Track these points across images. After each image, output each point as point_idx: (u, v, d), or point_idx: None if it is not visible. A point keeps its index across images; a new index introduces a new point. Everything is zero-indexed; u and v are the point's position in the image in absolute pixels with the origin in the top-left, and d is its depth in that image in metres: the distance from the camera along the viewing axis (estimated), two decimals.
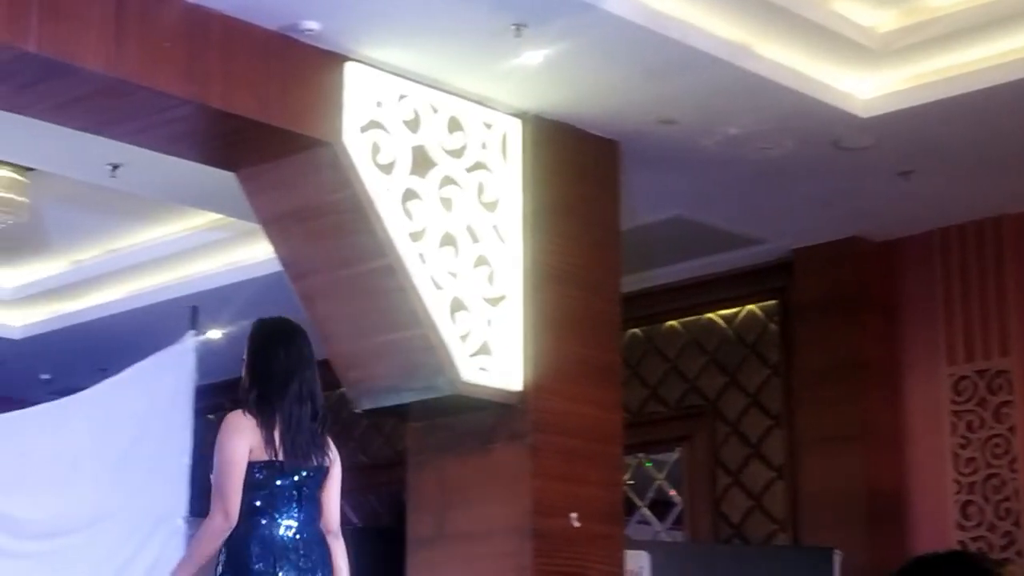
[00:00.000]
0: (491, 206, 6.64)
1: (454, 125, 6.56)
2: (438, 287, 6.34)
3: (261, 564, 5.53)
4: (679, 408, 9.52)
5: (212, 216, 9.29)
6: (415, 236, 6.31)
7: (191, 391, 8.73)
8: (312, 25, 5.98)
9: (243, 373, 5.88)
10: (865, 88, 6.99)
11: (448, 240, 6.44)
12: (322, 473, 5.76)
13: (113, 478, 9.07)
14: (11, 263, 10.55)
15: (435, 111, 6.49)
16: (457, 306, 6.40)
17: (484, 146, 6.66)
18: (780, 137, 7.25)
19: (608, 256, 7.06)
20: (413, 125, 6.39)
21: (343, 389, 6.95)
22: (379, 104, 6.27)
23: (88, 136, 6.34)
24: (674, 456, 9.66)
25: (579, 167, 7.00)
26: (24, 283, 10.80)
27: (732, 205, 8.22)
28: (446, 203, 6.46)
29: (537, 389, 6.54)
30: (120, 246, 10.11)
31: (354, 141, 6.14)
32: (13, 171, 8.53)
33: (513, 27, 5.99)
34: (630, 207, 7.44)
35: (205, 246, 9.75)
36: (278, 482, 5.61)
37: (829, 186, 7.89)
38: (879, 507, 8.40)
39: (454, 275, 6.42)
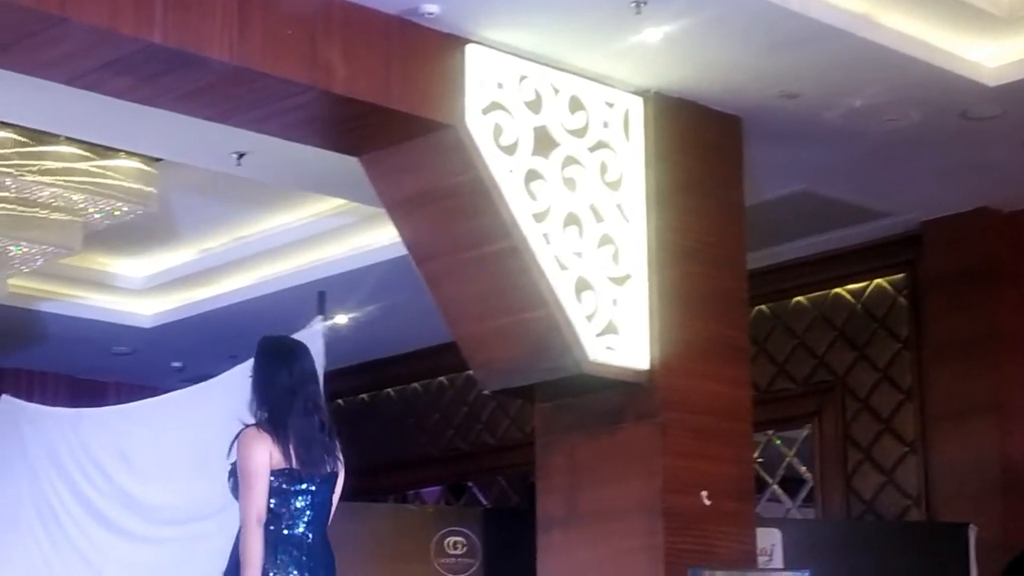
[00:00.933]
0: (614, 185, 6.62)
1: (575, 105, 6.55)
2: (563, 267, 6.34)
3: (272, 557, 5.97)
4: (808, 384, 9.45)
5: (337, 201, 9.35)
6: (539, 217, 6.31)
7: (320, 376, 8.81)
8: (432, 8, 5.99)
9: (251, 391, 6.21)
10: (992, 57, 6.88)
11: (572, 220, 6.42)
12: (333, 478, 6.24)
13: None
14: (141, 253, 10.70)
15: (556, 91, 6.48)
16: (582, 286, 6.39)
17: (606, 125, 6.64)
18: (905, 108, 7.16)
19: (733, 232, 7.02)
20: (535, 106, 6.39)
21: (470, 371, 6.98)
22: (500, 85, 6.27)
23: (214, 125, 6.40)
24: (804, 433, 9.59)
25: (702, 143, 6.96)
26: (154, 272, 10.94)
27: (858, 178, 8.14)
28: (569, 183, 6.45)
29: (665, 367, 6.51)
30: (247, 233, 10.21)
31: (476, 123, 6.14)
32: (141, 162, 8.64)
33: (633, 4, 5.97)
34: (754, 183, 7.39)
35: (331, 231, 9.82)
36: (293, 488, 6.07)
37: (956, 157, 7.78)
38: (1014, 481, 8.28)
39: (579, 255, 6.41)
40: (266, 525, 6.02)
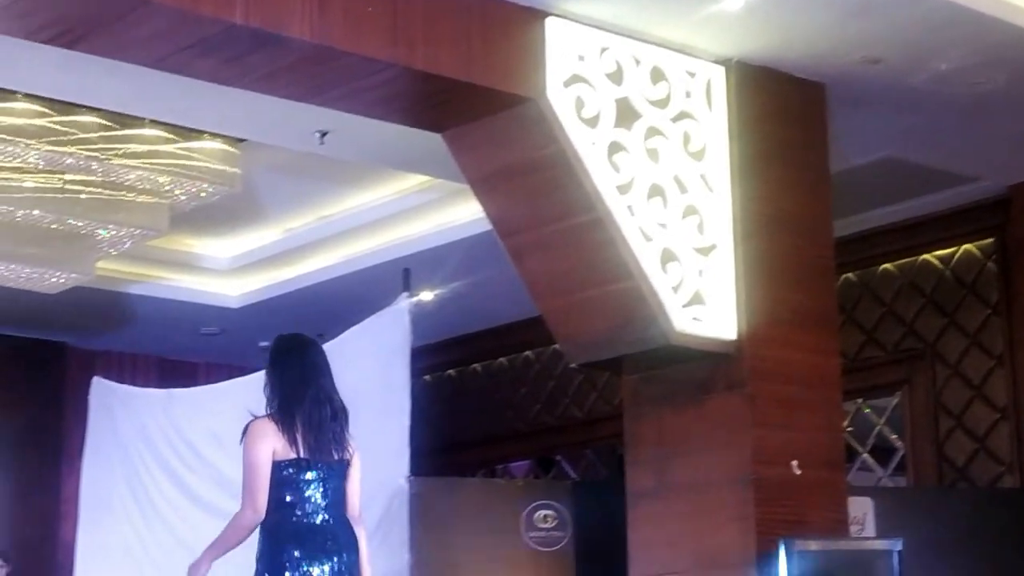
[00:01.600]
0: (698, 155, 6.59)
1: (657, 75, 6.52)
2: (648, 239, 6.32)
3: (293, 551, 6.23)
4: (897, 352, 9.38)
5: (420, 178, 9.37)
6: (622, 188, 6.29)
7: (407, 352, 8.85)
8: None
9: (265, 384, 6.56)
10: None
11: (656, 191, 6.40)
12: (344, 466, 6.45)
13: None
14: (226, 234, 10.77)
15: (637, 62, 6.45)
16: (668, 257, 6.37)
17: (688, 95, 6.61)
18: (991, 71, 7.07)
19: (819, 200, 6.96)
20: (616, 77, 6.36)
21: (556, 345, 6.97)
22: (581, 58, 6.25)
23: (296, 104, 6.42)
24: (894, 401, 9.52)
25: (785, 111, 6.91)
26: (239, 253, 11.02)
27: (943, 143, 8.05)
28: (652, 154, 6.42)
29: (752, 337, 6.48)
30: (331, 212, 10.26)
31: (558, 96, 6.13)
32: (224, 143, 8.70)
33: None
34: (839, 150, 7.33)
35: (415, 208, 9.84)
36: (304, 476, 6.31)
37: None
38: None
39: (663, 226, 6.39)
40: (286, 516, 6.27)
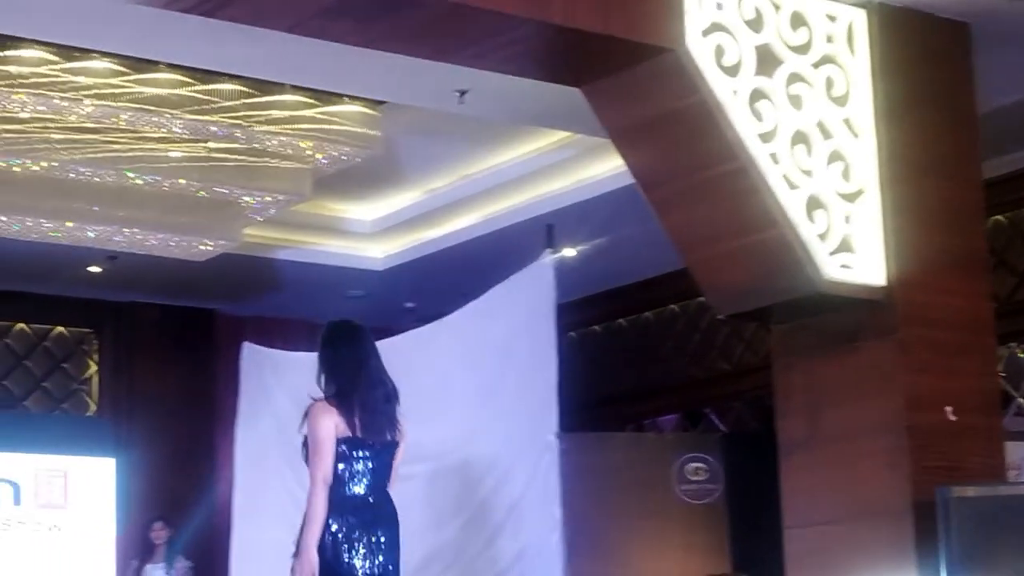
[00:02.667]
0: (841, 100, 6.50)
1: (797, 21, 6.43)
2: (793, 186, 6.24)
3: (341, 521, 6.68)
4: None
5: (561, 134, 9.35)
6: (765, 136, 6.22)
7: (552, 308, 8.84)
8: None
9: (318, 370, 6.97)
10: None
11: (799, 138, 6.32)
12: (395, 446, 6.95)
13: (483, 399, 9.26)
14: (369, 196, 10.84)
15: (777, 8, 6.36)
16: (814, 204, 6.29)
17: (829, 39, 6.51)
18: None
19: (966, 142, 6.84)
20: (755, 24, 6.28)
21: (702, 298, 6.93)
22: (719, 6, 6.18)
23: (434, 64, 6.43)
24: None
25: (929, 53, 6.79)
26: (382, 215, 11.09)
27: None
28: (795, 101, 6.34)
29: (902, 283, 6.39)
30: (472, 171, 10.27)
31: (697, 45, 6.07)
32: (364, 106, 8.74)
33: None
34: (985, 90, 7.17)
35: (555, 165, 9.82)
36: (357, 453, 6.77)
37: None
38: None
39: (808, 173, 6.31)
40: (338, 489, 6.71)
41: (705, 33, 6.11)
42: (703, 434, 11.19)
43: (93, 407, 12.37)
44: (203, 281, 11.25)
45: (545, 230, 9.13)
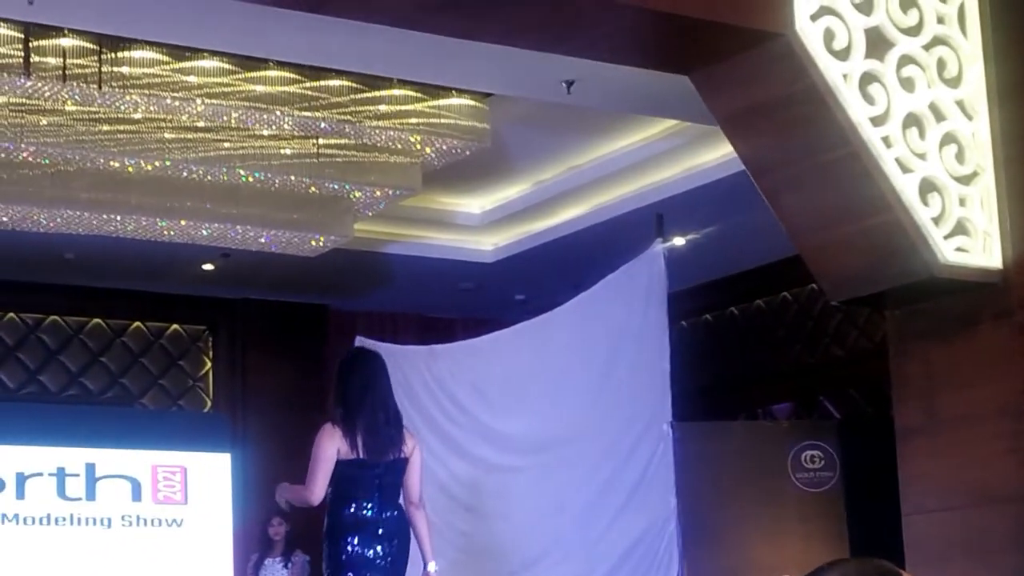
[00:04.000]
0: (954, 82, 6.41)
1: (907, 2, 6.34)
2: (906, 170, 6.17)
3: (348, 536, 7.35)
4: None
5: (668, 123, 9.33)
6: (877, 120, 6.14)
7: (664, 297, 8.83)
8: None
9: (332, 395, 7.71)
10: None
11: (912, 121, 6.24)
12: (401, 463, 7.51)
13: (596, 389, 9.28)
14: (478, 189, 10.87)
15: None
16: (927, 187, 6.21)
17: (941, 20, 6.42)
18: None
19: None
20: (865, 7, 6.21)
21: (813, 285, 6.88)
22: None
23: (541, 55, 6.42)
24: None
25: None
26: (492, 207, 11.12)
27: None
28: (906, 83, 6.26)
29: (1020, 265, 6.28)
30: (580, 162, 10.27)
31: (806, 29, 6.01)
32: (472, 99, 8.77)
33: None
34: None
35: (664, 153, 9.80)
36: (362, 473, 7.39)
37: None
38: None
39: (921, 156, 6.23)
40: (343, 508, 7.40)
41: (814, 17, 6.05)
42: (818, 421, 11.12)
43: (209, 403, 12.52)
44: (315, 277, 11.34)
45: (655, 219, 9.12)
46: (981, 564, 6.22)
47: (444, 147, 8.91)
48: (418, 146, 8.89)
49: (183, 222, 9.40)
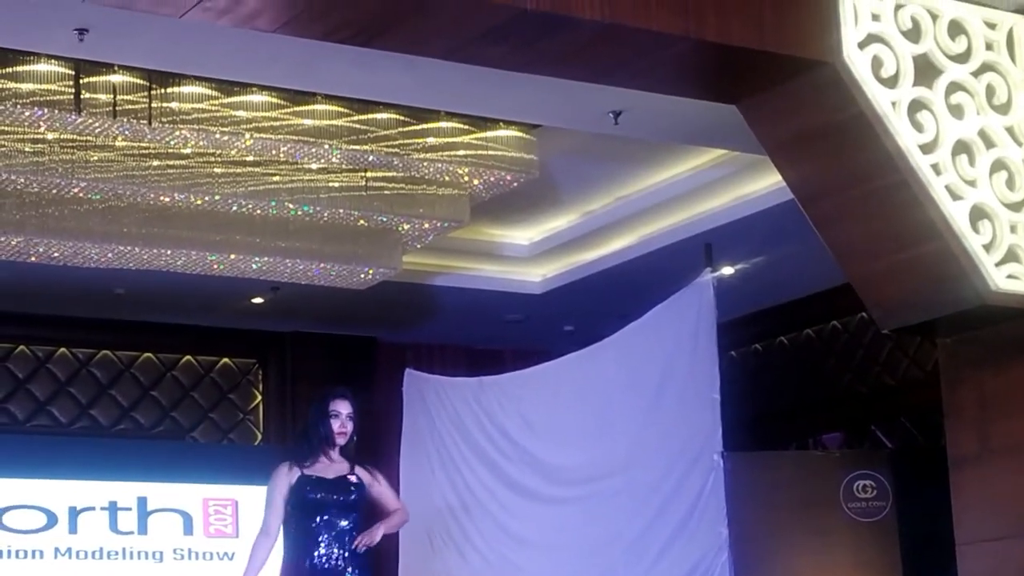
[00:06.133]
0: (1003, 108, 6.38)
1: (955, 29, 6.33)
2: (956, 197, 6.14)
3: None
4: None
5: (716, 152, 9.32)
6: (926, 147, 6.12)
7: (713, 326, 8.82)
8: None
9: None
10: None
11: (961, 148, 6.22)
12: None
13: (645, 419, 9.26)
14: (526, 220, 10.88)
15: (934, 17, 6.27)
16: (978, 215, 6.18)
17: (989, 47, 6.40)
18: None
19: None
20: (913, 35, 6.20)
21: (863, 313, 6.85)
22: (875, 17, 6.10)
23: (588, 86, 6.44)
24: None
25: None
26: (540, 238, 11.12)
27: None
28: (955, 110, 6.24)
29: None
30: (628, 192, 10.27)
31: (854, 57, 6.00)
32: (519, 130, 8.78)
33: None
34: None
35: (712, 183, 9.79)
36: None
37: None
38: None
39: (971, 183, 6.20)
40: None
41: (862, 45, 6.04)
42: (870, 451, 11.06)
43: (259, 436, 12.55)
44: (364, 309, 11.36)
45: (704, 249, 9.12)
46: None
47: (492, 179, 8.92)
48: (466, 178, 8.91)
49: (233, 256, 9.43)
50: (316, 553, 7.89)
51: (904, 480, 9.82)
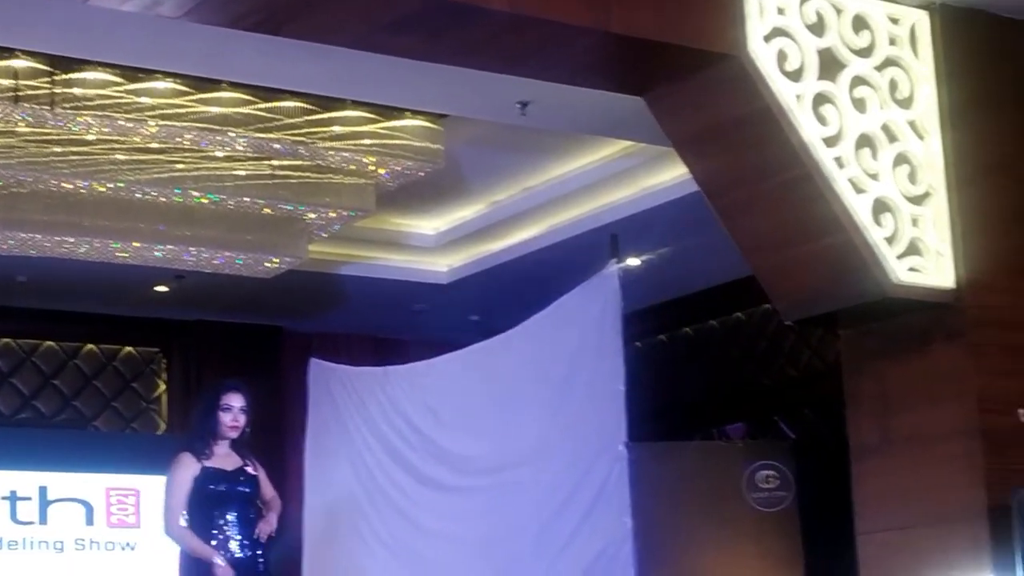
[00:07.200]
0: (906, 103, 6.45)
1: (859, 24, 6.39)
2: (859, 190, 6.21)
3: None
4: None
5: (623, 143, 9.35)
6: (830, 141, 6.18)
7: (619, 318, 8.84)
8: None
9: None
10: None
11: (864, 142, 6.28)
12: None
13: (551, 410, 9.27)
14: (432, 210, 10.86)
15: (839, 12, 6.33)
16: (880, 208, 6.25)
17: (893, 42, 6.47)
18: None
19: None
20: (818, 29, 6.25)
21: (767, 305, 6.90)
22: (780, 11, 6.15)
23: (495, 76, 6.43)
24: None
25: (994, 53, 6.72)
26: (446, 228, 11.11)
27: None
28: (859, 104, 6.30)
29: (972, 285, 6.33)
30: (535, 183, 10.28)
31: (759, 51, 6.04)
32: (426, 120, 8.77)
33: None
34: None
35: (618, 174, 9.82)
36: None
37: None
38: None
39: (874, 177, 6.27)
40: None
41: (767, 38, 6.08)
42: (773, 441, 11.14)
43: (163, 426, 12.46)
44: (269, 298, 11.30)
45: (609, 240, 9.13)
46: None
47: (398, 168, 8.90)
48: (372, 167, 8.88)
49: (136, 244, 9.35)
50: (227, 546, 7.89)
51: (806, 471, 9.91)
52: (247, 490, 8.16)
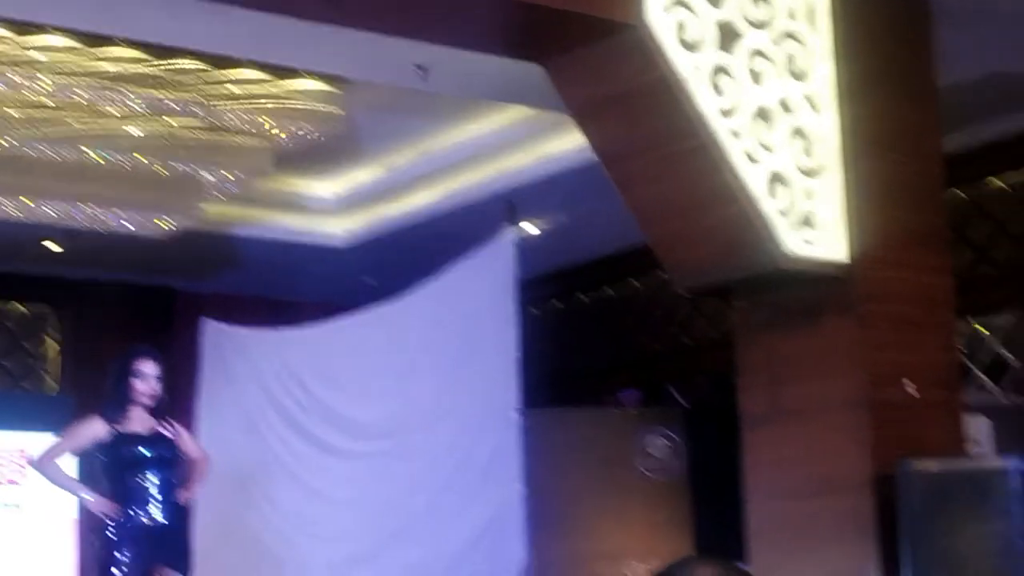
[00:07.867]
0: (802, 76, 6.49)
1: None
2: (754, 162, 6.24)
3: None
4: (1009, 268, 9.24)
5: (522, 110, 9.33)
6: (726, 113, 6.20)
7: (513, 284, 8.86)
8: None
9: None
10: None
11: (761, 114, 6.31)
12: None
13: (446, 375, 9.28)
14: (329, 173, 10.80)
15: None
16: (775, 180, 6.29)
17: (791, 15, 6.50)
18: None
19: (927, 118, 6.84)
20: (716, 0, 6.27)
21: (663, 273, 6.93)
22: None
23: (395, 40, 6.40)
24: (1008, 319, 9.39)
25: (890, 29, 6.78)
26: (344, 191, 11.05)
27: None
28: (756, 76, 6.33)
29: (864, 259, 6.40)
30: (434, 147, 10.24)
31: (658, 21, 6.05)
32: (324, 82, 8.71)
33: None
34: (946, 64, 7.17)
35: (517, 140, 9.80)
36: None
37: None
38: None
39: (769, 149, 6.30)
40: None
41: (666, 9, 6.09)
42: (665, 409, 11.21)
43: (54, 385, 12.32)
44: (163, 258, 11.20)
45: (506, 206, 9.13)
46: (822, 552, 6.32)
47: (296, 130, 8.85)
48: (269, 128, 8.82)
49: (27, 201, 9.23)
50: (145, 509, 7.86)
51: (698, 439, 9.98)
52: (165, 454, 8.11)
